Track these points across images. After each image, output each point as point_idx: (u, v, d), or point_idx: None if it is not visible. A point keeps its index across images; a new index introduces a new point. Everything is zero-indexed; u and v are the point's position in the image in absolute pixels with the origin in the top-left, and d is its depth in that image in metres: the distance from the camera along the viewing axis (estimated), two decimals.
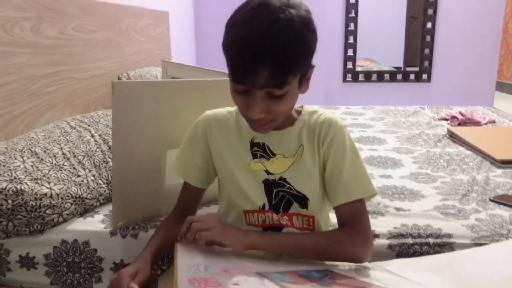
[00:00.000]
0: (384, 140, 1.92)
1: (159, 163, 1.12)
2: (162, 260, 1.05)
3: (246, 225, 0.91)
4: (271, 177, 0.89)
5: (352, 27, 3.63)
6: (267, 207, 0.89)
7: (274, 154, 0.89)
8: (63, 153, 1.17)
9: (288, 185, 0.88)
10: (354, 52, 3.71)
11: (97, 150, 1.25)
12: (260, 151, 0.89)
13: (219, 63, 1.19)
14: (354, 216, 0.86)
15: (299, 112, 0.92)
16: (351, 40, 3.66)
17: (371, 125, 2.19)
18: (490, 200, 1.23)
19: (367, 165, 1.59)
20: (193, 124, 0.96)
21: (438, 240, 1.03)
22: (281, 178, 0.88)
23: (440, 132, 2.00)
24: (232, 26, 0.76)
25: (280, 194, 0.89)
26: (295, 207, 0.89)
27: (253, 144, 0.90)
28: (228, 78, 0.81)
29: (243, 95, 0.78)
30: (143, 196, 1.11)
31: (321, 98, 3.51)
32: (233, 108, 0.96)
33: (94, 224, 1.11)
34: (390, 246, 1.03)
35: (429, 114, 2.40)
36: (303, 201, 0.89)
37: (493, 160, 1.57)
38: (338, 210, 0.87)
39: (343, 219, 0.87)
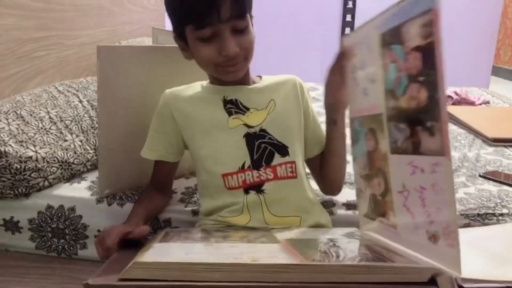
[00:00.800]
0: None
1: (146, 130, 1.10)
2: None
3: (227, 191, 0.89)
4: (252, 130, 0.90)
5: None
6: (247, 164, 0.88)
7: (247, 109, 0.91)
8: (50, 117, 1.15)
9: (269, 136, 0.90)
10: (352, 19, 3.66)
11: (85, 115, 1.23)
12: (233, 107, 0.91)
13: None
14: None
15: (260, 78, 0.99)
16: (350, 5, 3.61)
17: None
18: (480, 176, 1.23)
19: None
20: (158, 104, 0.96)
21: None
22: (261, 130, 0.90)
23: None
24: None
25: (262, 146, 0.89)
26: (277, 158, 0.89)
27: (226, 102, 0.91)
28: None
29: (209, 41, 0.82)
30: (129, 164, 1.09)
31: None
32: (197, 83, 0.98)
33: (81, 190, 1.09)
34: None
35: None
36: (284, 150, 0.90)
37: (485, 138, 1.57)
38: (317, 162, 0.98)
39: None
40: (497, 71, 5.41)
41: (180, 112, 0.92)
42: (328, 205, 1.06)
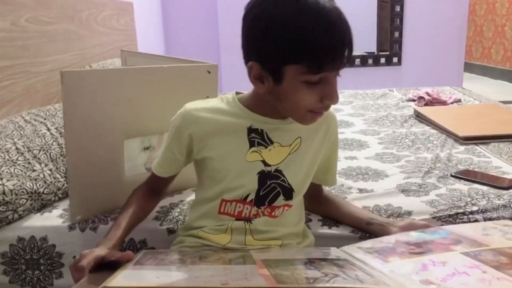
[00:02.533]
0: (351, 123, 1.93)
1: (116, 154, 1.10)
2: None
3: (216, 214, 0.89)
4: (268, 169, 0.87)
5: None
6: (250, 198, 0.87)
7: (271, 142, 0.87)
8: (17, 148, 1.14)
9: (282, 178, 0.88)
10: None
11: (54, 143, 1.22)
12: (258, 138, 0.86)
13: (190, 53, 1.15)
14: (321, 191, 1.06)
15: None
16: None
17: (339, 109, 2.20)
18: (451, 175, 1.25)
19: None
20: (172, 120, 0.90)
21: (399, 219, 1.03)
22: (277, 170, 0.88)
23: (407, 113, 2.02)
24: (298, 14, 0.72)
25: (272, 186, 0.87)
26: (280, 200, 0.88)
27: (251, 130, 0.86)
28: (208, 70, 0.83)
29: (314, 86, 0.76)
30: (101, 188, 1.09)
31: None
32: (218, 98, 0.92)
33: (52, 219, 1.08)
34: (353, 230, 1.02)
35: (397, 96, 2.42)
36: (290, 194, 0.89)
37: (457, 137, 1.59)
38: (316, 186, 1.01)
39: (316, 193, 1.03)
40: (470, 68, 5.53)
41: (200, 136, 0.87)
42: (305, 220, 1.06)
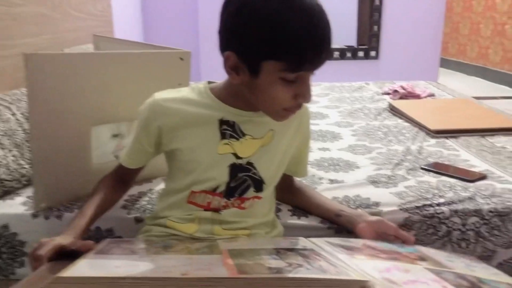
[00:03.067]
0: (326, 115, 1.93)
1: (83, 141, 1.07)
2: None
3: (186, 204, 0.88)
4: (239, 161, 0.86)
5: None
6: (220, 189, 0.86)
7: (243, 134, 0.86)
8: None
9: (253, 170, 0.87)
10: None
11: (19, 128, 1.18)
12: (229, 130, 0.85)
13: (169, 41, 1.12)
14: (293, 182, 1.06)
15: None
16: None
17: (316, 101, 2.20)
18: (421, 168, 1.27)
19: None
20: (140, 110, 0.88)
21: (367, 210, 1.04)
22: (248, 163, 0.87)
23: (381, 106, 2.04)
24: (284, 10, 0.71)
25: (243, 178, 0.87)
26: (251, 192, 0.88)
27: (222, 122, 0.85)
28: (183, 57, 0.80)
29: (290, 84, 0.76)
30: (67, 175, 1.06)
31: None
32: (189, 88, 0.90)
33: (15, 206, 1.05)
34: (322, 221, 1.03)
35: (373, 89, 2.44)
36: (260, 186, 0.88)
37: (428, 130, 1.61)
38: (287, 177, 1.01)
39: (287, 183, 1.03)
40: (446, 64, 5.62)
41: (169, 127, 0.85)
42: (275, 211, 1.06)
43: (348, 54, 3.80)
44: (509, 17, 4.55)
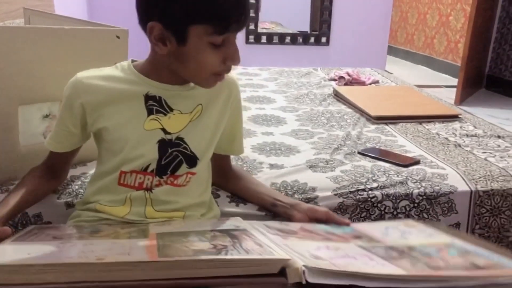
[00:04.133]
0: (273, 99, 1.94)
1: (9, 121, 1.01)
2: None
3: (116, 187, 0.85)
4: (168, 137, 0.84)
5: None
6: (151, 168, 0.84)
7: (171, 110, 0.84)
8: None
9: (184, 145, 0.85)
10: (256, 13, 3.68)
11: None
12: (156, 105, 0.84)
13: (115, 18, 1.05)
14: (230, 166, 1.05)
15: None
16: (252, 0, 3.62)
17: (264, 85, 2.20)
18: (358, 153, 1.30)
19: (252, 123, 1.59)
20: (64, 90, 0.85)
21: (303, 196, 1.05)
22: (178, 138, 0.85)
23: (327, 91, 2.07)
24: None
25: (174, 154, 0.85)
26: (183, 168, 0.86)
27: (148, 98, 0.83)
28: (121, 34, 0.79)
29: (218, 48, 0.77)
30: None
31: None
32: (113, 66, 0.87)
33: None
34: (259, 209, 1.02)
35: (320, 75, 2.47)
36: (193, 161, 0.87)
37: (369, 116, 1.66)
38: (223, 158, 1.01)
39: (225, 167, 1.03)
40: (395, 52, 5.79)
41: (93, 105, 0.83)
42: (212, 196, 1.05)
43: (300, 40, 3.81)
44: (453, 9, 4.73)
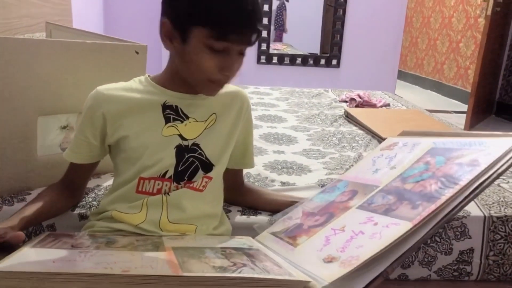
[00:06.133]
0: (284, 118, 1.95)
1: (28, 131, 1.03)
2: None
3: (134, 194, 0.86)
4: (185, 143, 0.87)
5: (266, 8, 3.65)
6: (169, 174, 0.86)
7: (187, 117, 0.88)
8: None
9: (200, 151, 0.88)
10: (268, 34, 3.73)
11: None
12: (173, 113, 0.87)
13: (129, 33, 1.07)
14: (242, 181, 1.07)
15: None
16: (265, 21, 3.68)
17: (275, 105, 2.22)
18: None
19: (263, 141, 1.60)
20: (85, 102, 0.88)
21: None
22: (194, 144, 0.88)
23: (338, 113, 2.08)
24: None
25: (190, 160, 0.87)
26: (200, 174, 0.88)
27: (165, 107, 0.87)
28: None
29: (216, 54, 0.79)
30: (9, 166, 1.02)
31: (235, 79, 3.49)
32: (131, 80, 0.92)
33: None
34: (270, 220, 1.03)
35: (331, 96, 2.49)
36: (209, 167, 0.89)
37: (380, 138, 1.66)
38: (236, 173, 1.03)
39: (237, 182, 1.05)
40: (404, 76, 5.82)
41: (114, 115, 0.86)
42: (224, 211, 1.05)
43: (311, 61, 3.85)
44: (463, 36, 4.77)
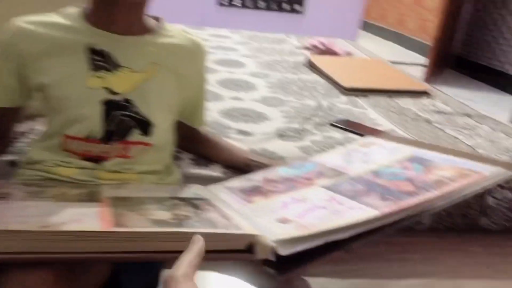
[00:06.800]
0: (244, 64, 1.86)
1: None
2: None
3: (61, 151, 0.75)
4: (114, 97, 0.73)
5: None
6: (96, 134, 0.74)
7: (119, 66, 0.74)
8: None
9: (134, 108, 0.75)
10: None
11: None
12: (100, 60, 0.73)
13: None
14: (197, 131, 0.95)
15: (156, 22, 0.80)
16: None
17: (235, 49, 2.11)
18: (330, 124, 1.26)
19: (220, 87, 1.52)
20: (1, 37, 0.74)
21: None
22: (126, 100, 0.74)
23: (300, 60, 2.01)
24: None
25: (121, 119, 0.74)
26: (136, 135, 0.76)
27: (92, 51, 0.73)
28: None
29: None
30: None
31: (196, 20, 3.31)
32: (58, 12, 0.76)
33: None
34: (225, 172, 0.98)
35: (294, 43, 2.40)
36: (148, 128, 0.76)
37: (341, 87, 1.61)
38: (187, 126, 0.91)
39: (191, 132, 0.93)
40: (368, 27, 5.75)
41: (32, 55, 0.73)
42: (174, 159, 0.99)
43: (274, 6, 3.71)
44: None
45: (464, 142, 1.21)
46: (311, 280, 0.82)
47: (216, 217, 0.60)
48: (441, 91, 1.81)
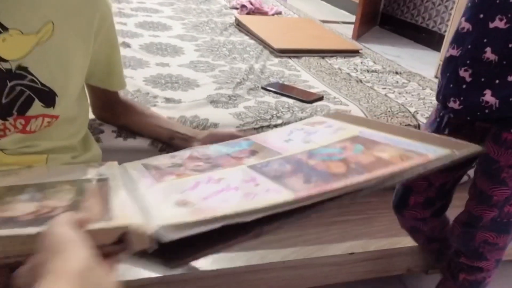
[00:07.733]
0: (169, 26, 1.74)
1: None
2: None
3: None
4: (5, 66, 0.62)
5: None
6: None
7: (5, 28, 0.62)
8: None
9: (30, 77, 0.64)
10: None
11: None
12: None
13: None
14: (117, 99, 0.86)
15: None
16: None
17: (158, 10, 1.98)
18: (262, 88, 1.21)
19: (144, 52, 1.41)
20: None
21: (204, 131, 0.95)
22: (20, 68, 0.63)
23: (228, 20, 1.92)
24: None
25: (18, 89, 0.63)
26: (37, 107, 0.65)
27: None
28: None
29: None
30: None
31: None
32: None
33: None
34: (152, 142, 0.91)
35: (221, 2, 2.29)
36: (50, 99, 0.66)
37: (272, 49, 1.57)
38: (105, 91, 0.81)
39: (110, 101, 0.85)
40: None
41: None
42: (95, 132, 0.90)
43: None
44: None
45: (395, 101, 1.22)
46: (251, 253, 0.80)
47: (94, 206, 0.53)
48: (370, 49, 1.82)
